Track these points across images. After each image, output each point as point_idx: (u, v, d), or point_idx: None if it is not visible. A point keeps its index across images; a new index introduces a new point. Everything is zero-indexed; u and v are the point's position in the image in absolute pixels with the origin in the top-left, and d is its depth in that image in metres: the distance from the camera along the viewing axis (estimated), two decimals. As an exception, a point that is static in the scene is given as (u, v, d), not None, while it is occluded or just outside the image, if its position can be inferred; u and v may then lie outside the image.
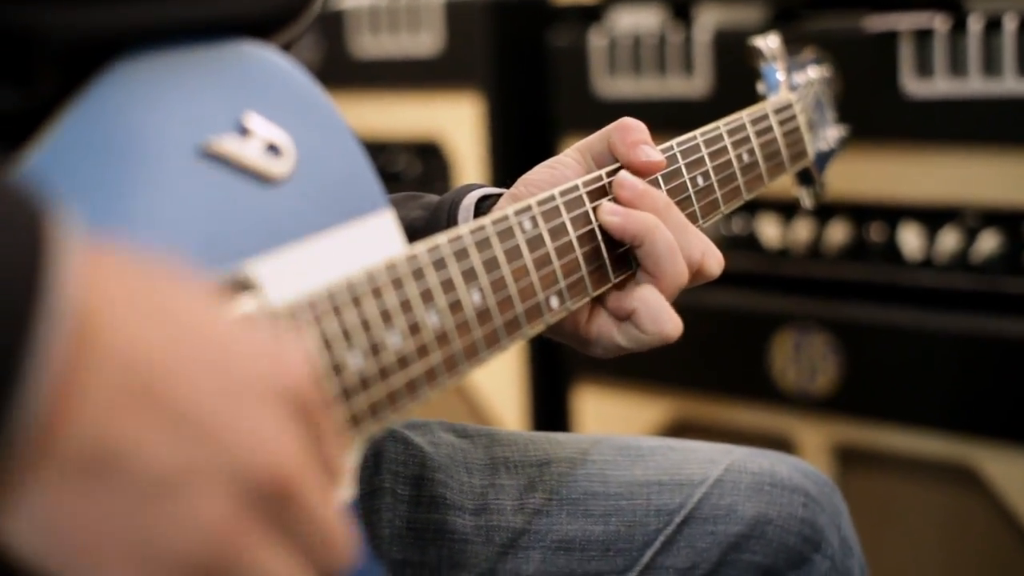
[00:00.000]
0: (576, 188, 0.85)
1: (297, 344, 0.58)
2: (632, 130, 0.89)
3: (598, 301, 0.88)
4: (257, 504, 0.54)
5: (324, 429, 0.58)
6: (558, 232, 0.82)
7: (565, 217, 0.83)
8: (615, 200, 0.86)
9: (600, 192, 0.87)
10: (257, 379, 0.55)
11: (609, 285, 0.86)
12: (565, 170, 0.90)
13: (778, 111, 1.08)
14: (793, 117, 1.11)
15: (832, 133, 1.23)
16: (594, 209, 0.86)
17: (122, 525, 0.51)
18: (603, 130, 0.91)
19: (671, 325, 0.86)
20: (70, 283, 0.51)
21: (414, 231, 0.91)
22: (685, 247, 0.87)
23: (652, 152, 0.89)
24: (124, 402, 0.51)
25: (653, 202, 0.87)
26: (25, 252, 0.50)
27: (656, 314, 0.85)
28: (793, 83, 1.16)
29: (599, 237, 0.86)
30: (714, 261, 0.90)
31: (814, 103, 1.19)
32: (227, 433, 0.53)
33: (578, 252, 0.84)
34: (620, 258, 0.87)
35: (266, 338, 0.57)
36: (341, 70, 2.29)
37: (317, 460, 0.57)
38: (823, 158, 1.20)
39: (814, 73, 1.21)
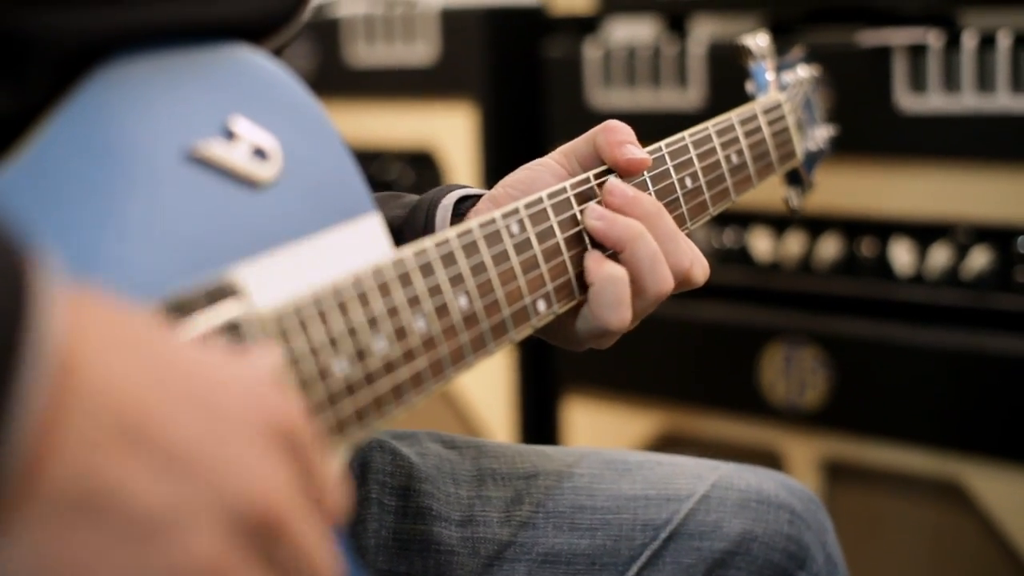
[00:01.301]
0: (564, 191, 0.85)
1: (281, 377, 0.58)
2: (617, 131, 0.89)
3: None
4: (246, 538, 0.54)
5: (312, 460, 0.58)
6: (545, 235, 0.82)
7: (552, 220, 0.83)
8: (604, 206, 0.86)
9: (588, 195, 0.87)
10: (243, 414, 0.55)
11: None
12: (544, 172, 0.90)
13: (767, 111, 1.08)
14: (782, 117, 1.11)
15: (821, 133, 1.22)
16: (581, 212, 0.85)
17: (113, 562, 0.51)
18: (588, 132, 0.91)
19: (616, 319, 0.84)
20: (52, 325, 0.50)
21: (392, 230, 0.90)
22: (673, 255, 0.87)
23: (637, 151, 0.89)
24: (109, 442, 0.51)
25: (643, 208, 0.86)
26: (6, 295, 0.50)
27: (611, 299, 0.83)
28: (782, 83, 1.16)
29: (587, 240, 0.86)
30: (700, 270, 0.90)
31: (803, 103, 1.19)
32: (214, 469, 0.53)
33: (565, 255, 0.84)
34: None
35: (250, 373, 0.57)
36: (336, 79, 2.29)
37: (306, 492, 0.57)
38: (812, 158, 1.20)
39: (804, 72, 1.21)
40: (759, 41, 1.15)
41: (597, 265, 0.84)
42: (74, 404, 0.51)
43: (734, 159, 1.01)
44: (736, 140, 1.02)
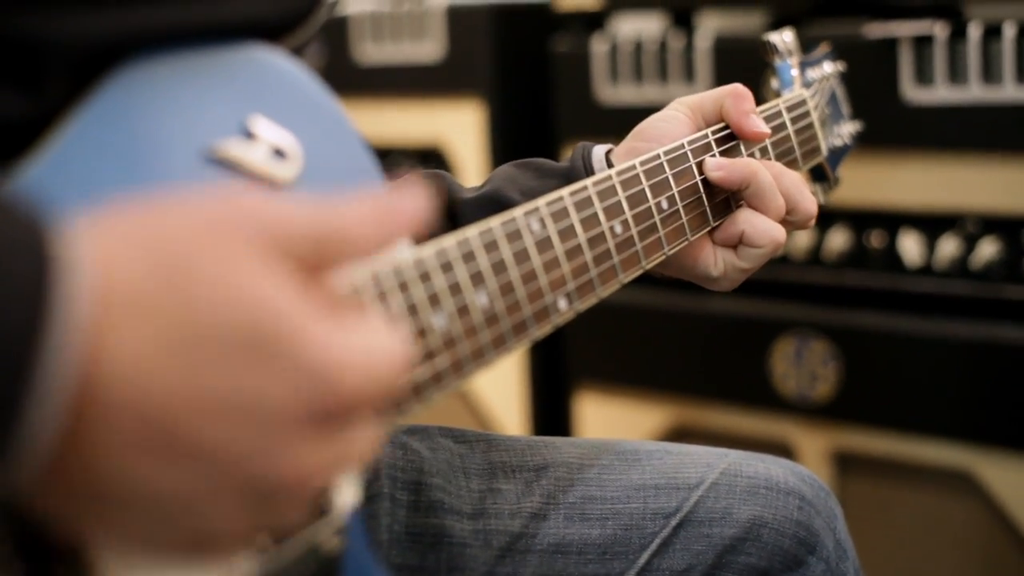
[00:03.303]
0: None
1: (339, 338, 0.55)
2: (744, 99, 0.99)
3: (709, 239, 0.98)
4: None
5: (356, 426, 0.56)
6: (567, 233, 0.82)
7: (574, 218, 0.83)
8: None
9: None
10: (279, 409, 0.53)
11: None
12: (674, 124, 0.99)
13: (791, 108, 1.08)
14: (807, 114, 1.11)
15: (846, 129, 1.22)
16: (699, 165, 0.95)
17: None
18: (717, 92, 1.00)
19: (777, 230, 0.97)
20: (75, 313, 0.50)
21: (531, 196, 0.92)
22: (787, 187, 0.98)
23: (760, 123, 0.99)
24: (135, 454, 0.51)
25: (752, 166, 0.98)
26: (29, 284, 0.49)
27: (763, 226, 0.96)
28: (807, 79, 1.15)
29: (620, 233, 0.87)
30: (809, 200, 1.00)
31: (828, 99, 1.18)
32: (242, 460, 0.53)
33: (587, 255, 0.84)
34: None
35: (292, 348, 0.53)
36: (344, 77, 2.30)
37: (344, 455, 0.56)
38: (836, 154, 1.19)
39: (829, 68, 1.21)
40: (784, 37, 1.14)
41: (728, 224, 0.97)
42: (98, 414, 0.50)
43: (757, 155, 1.02)
44: None
